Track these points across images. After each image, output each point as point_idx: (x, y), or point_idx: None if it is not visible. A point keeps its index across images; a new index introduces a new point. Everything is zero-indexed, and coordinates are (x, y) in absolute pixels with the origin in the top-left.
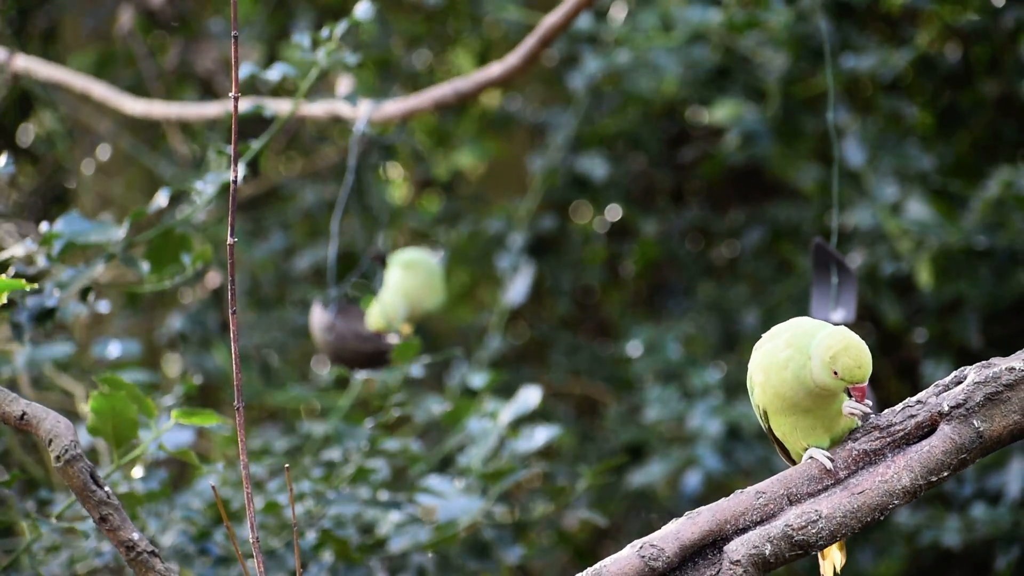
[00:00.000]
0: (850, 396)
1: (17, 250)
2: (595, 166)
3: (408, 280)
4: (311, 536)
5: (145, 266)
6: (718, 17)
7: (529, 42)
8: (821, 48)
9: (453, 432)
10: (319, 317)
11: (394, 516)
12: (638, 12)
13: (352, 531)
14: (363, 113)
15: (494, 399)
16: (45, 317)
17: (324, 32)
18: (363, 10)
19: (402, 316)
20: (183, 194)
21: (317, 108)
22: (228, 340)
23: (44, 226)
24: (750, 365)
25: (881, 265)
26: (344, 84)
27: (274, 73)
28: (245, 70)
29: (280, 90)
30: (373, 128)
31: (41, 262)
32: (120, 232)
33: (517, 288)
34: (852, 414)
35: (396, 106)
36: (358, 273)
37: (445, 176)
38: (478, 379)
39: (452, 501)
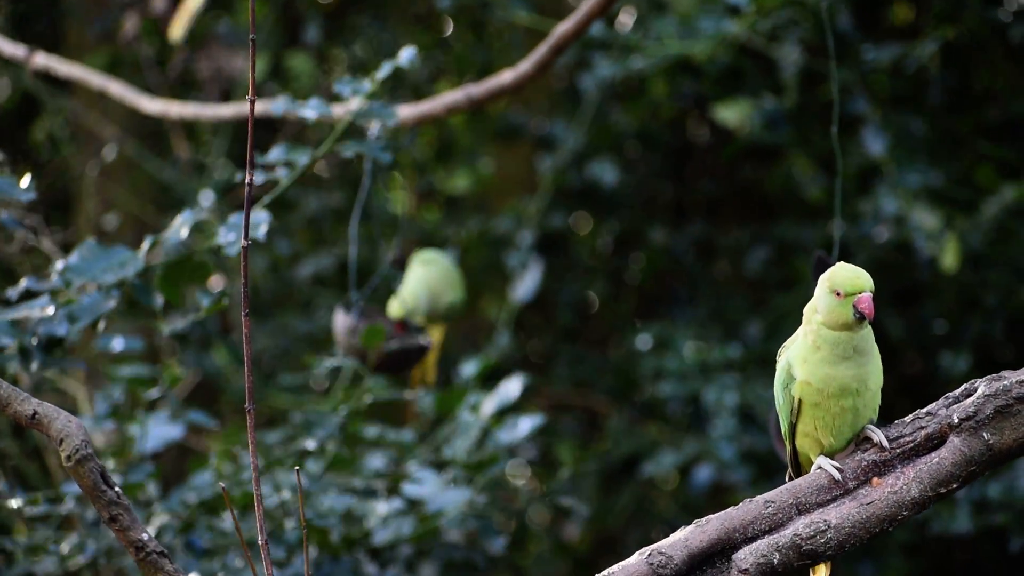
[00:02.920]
0: (857, 312)
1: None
2: (604, 172)
3: (427, 274)
4: (289, 526)
5: (159, 299)
6: (733, 27)
7: (541, 50)
8: (837, 41)
9: (447, 422)
10: (342, 321)
11: (381, 508)
12: (651, 19)
13: (334, 521)
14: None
15: (479, 392)
16: (54, 345)
17: (365, 85)
18: (407, 57)
19: (423, 306)
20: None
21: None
22: (228, 342)
23: (59, 264)
24: (780, 364)
25: (914, 237)
26: None
27: (310, 112)
28: (280, 107)
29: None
30: (386, 133)
31: (54, 281)
32: (135, 266)
33: (526, 285)
34: (868, 438)
35: (409, 111)
36: (379, 277)
37: (445, 193)
38: (470, 367)
39: (440, 493)
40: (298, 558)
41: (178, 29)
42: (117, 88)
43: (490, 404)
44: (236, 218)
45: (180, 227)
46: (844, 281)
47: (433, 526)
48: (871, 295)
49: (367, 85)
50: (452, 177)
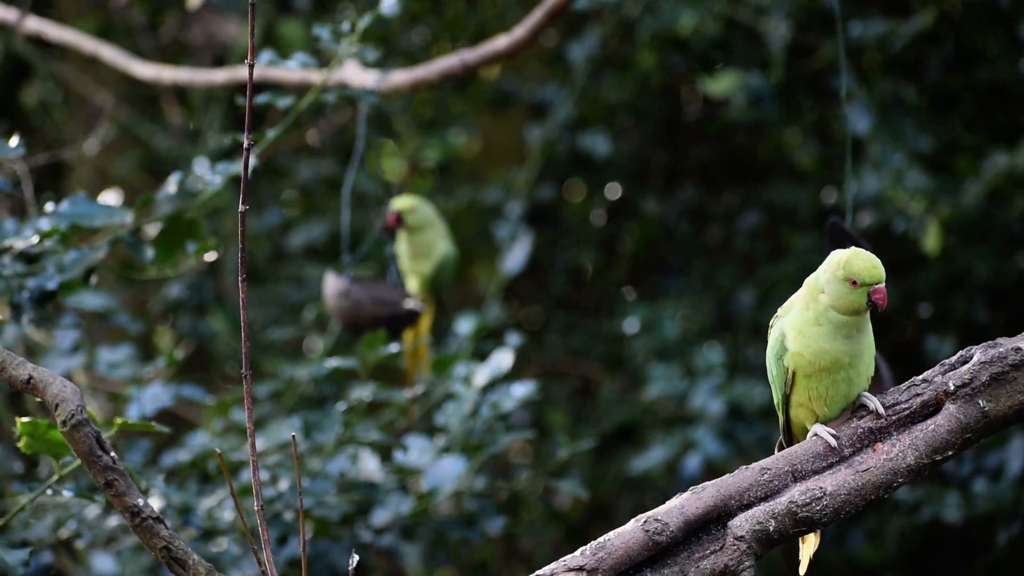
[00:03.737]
0: (870, 302)
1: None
2: (597, 143)
3: (411, 237)
4: (288, 516)
5: (150, 252)
6: None
7: (536, 15)
8: (826, 17)
9: (441, 381)
10: (333, 284)
11: (377, 475)
12: None
13: (334, 510)
14: (371, 82)
15: (471, 361)
16: (46, 299)
17: (345, 26)
18: (389, 5)
19: (432, 265)
20: (186, 175)
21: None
22: (224, 308)
23: (49, 206)
24: (773, 335)
25: (894, 222)
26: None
27: (294, 64)
28: (264, 58)
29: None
30: (380, 98)
31: (45, 243)
32: (128, 217)
33: (515, 257)
34: (864, 405)
35: (403, 76)
36: (370, 242)
37: (435, 159)
38: (466, 325)
39: (434, 465)
40: (293, 536)
41: None
42: (109, 53)
43: (482, 376)
44: (221, 165)
45: (170, 185)
46: (861, 271)
47: (429, 505)
48: (884, 285)
49: (347, 26)
50: (423, 149)
